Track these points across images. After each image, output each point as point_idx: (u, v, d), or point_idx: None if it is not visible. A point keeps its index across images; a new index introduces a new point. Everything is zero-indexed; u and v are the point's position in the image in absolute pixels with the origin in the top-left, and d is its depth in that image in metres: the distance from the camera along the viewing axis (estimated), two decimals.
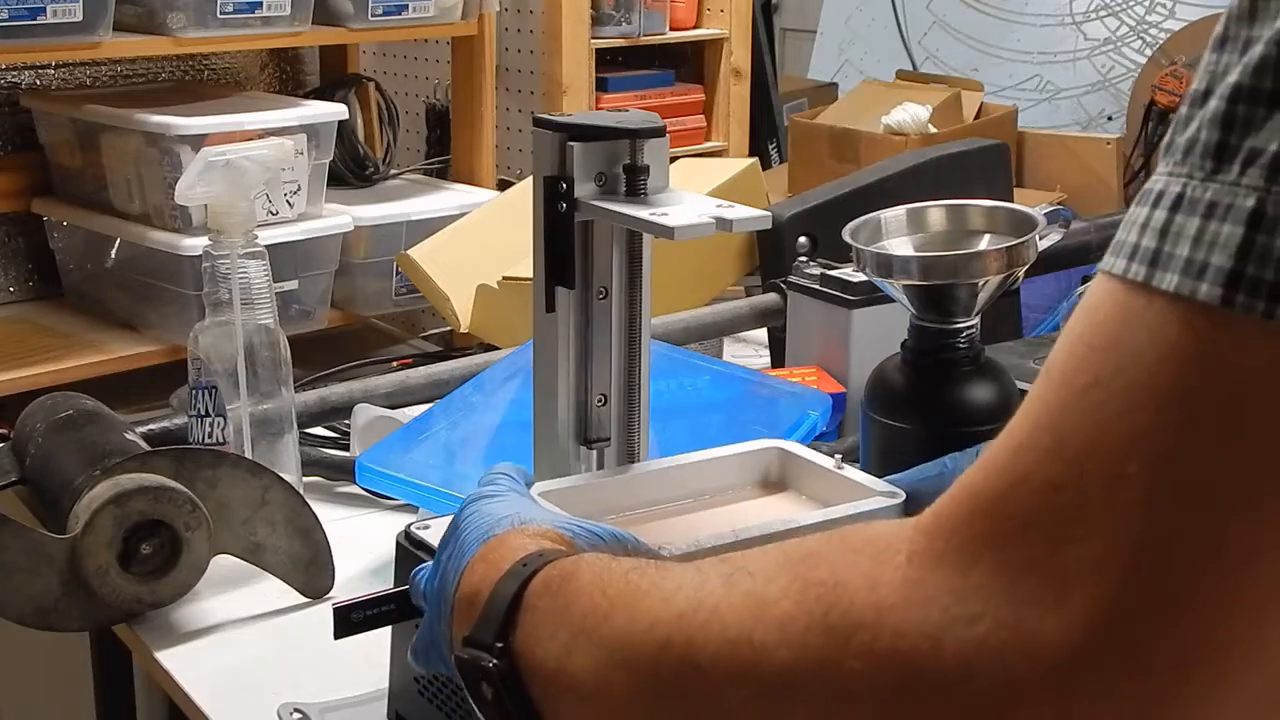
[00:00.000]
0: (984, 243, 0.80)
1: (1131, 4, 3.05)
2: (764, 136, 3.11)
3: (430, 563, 0.71)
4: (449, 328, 1.82)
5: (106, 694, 1.27)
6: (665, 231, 0.71)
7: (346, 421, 1.22)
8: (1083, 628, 0.40)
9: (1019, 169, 2.26)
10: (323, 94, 2.14)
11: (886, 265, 0.79)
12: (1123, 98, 2.95)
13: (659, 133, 0.76)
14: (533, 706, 0.59)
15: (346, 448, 1.21)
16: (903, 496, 0.74)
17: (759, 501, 0.80)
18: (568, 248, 0.77)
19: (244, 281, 1.05)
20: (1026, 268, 0.78)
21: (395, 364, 1.55)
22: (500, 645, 0.59)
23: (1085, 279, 1.06)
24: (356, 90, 2.21)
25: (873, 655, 0.44)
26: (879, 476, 0.81)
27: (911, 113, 2.19)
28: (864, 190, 1.49)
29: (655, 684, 0.51)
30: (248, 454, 1.04)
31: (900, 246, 0.82)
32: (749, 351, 1.54)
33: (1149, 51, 2.96)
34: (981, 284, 0.78)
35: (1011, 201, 1.08)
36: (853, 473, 0.77)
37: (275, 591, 0.98)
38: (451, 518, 0.69)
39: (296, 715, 0.84)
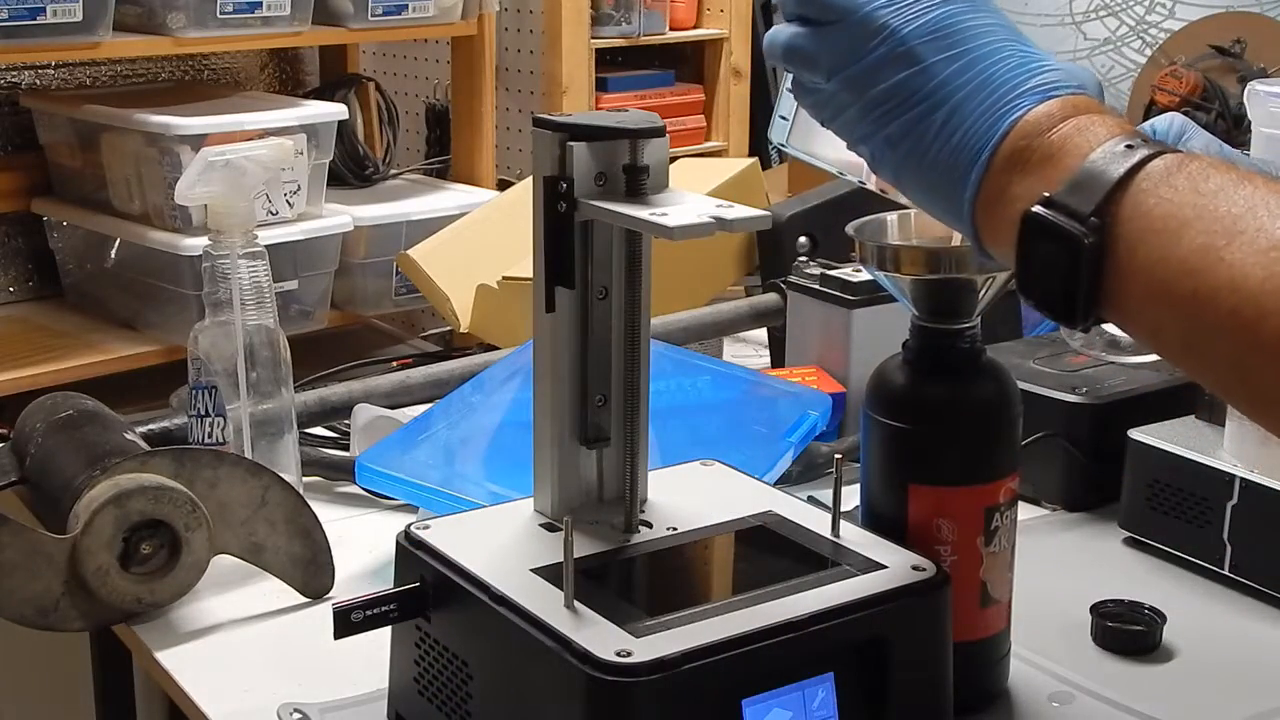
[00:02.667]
0: None
1: (1131, 4, 3.05)
2: (764, 136, 3.11)
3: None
4: (449, 328, 1.82)
5: (106, 694, 1.28)
6: (665, 231, 0.71)
7: (346, 421, 1.22)
8: None
9: None
10: (323, 94, 2.14)
11: (890, 258, 0.79)
12: (1123, 98, 2.95)
13: (659, 133, 0.76)
14: (1101, 291, 0.60)
15: (346, 448, 1.21)
16: None
17: None
18: (568, 248, 0.77)
19: (244, 281, 1.05)
20: None
21: (395, 364, 1.55)
22: (1095, 220, 0.59)
23: None
24: (356, 90, 2.21)
25: None
26: (880, 477, 0.81)
27: None
28: (864, 190, 1.49)
29: None
30: (248, 454, 1.04)
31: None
32: (749, 351, 1.54)
33: (1149, 51, 2.96)
34: (986, 281, 0.78)
35: None
36: None
37: (275, 591, 0.98)
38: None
39: (296, 715, 0.84)
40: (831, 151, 0.81)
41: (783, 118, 0.82)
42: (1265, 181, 0.58)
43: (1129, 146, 0.61)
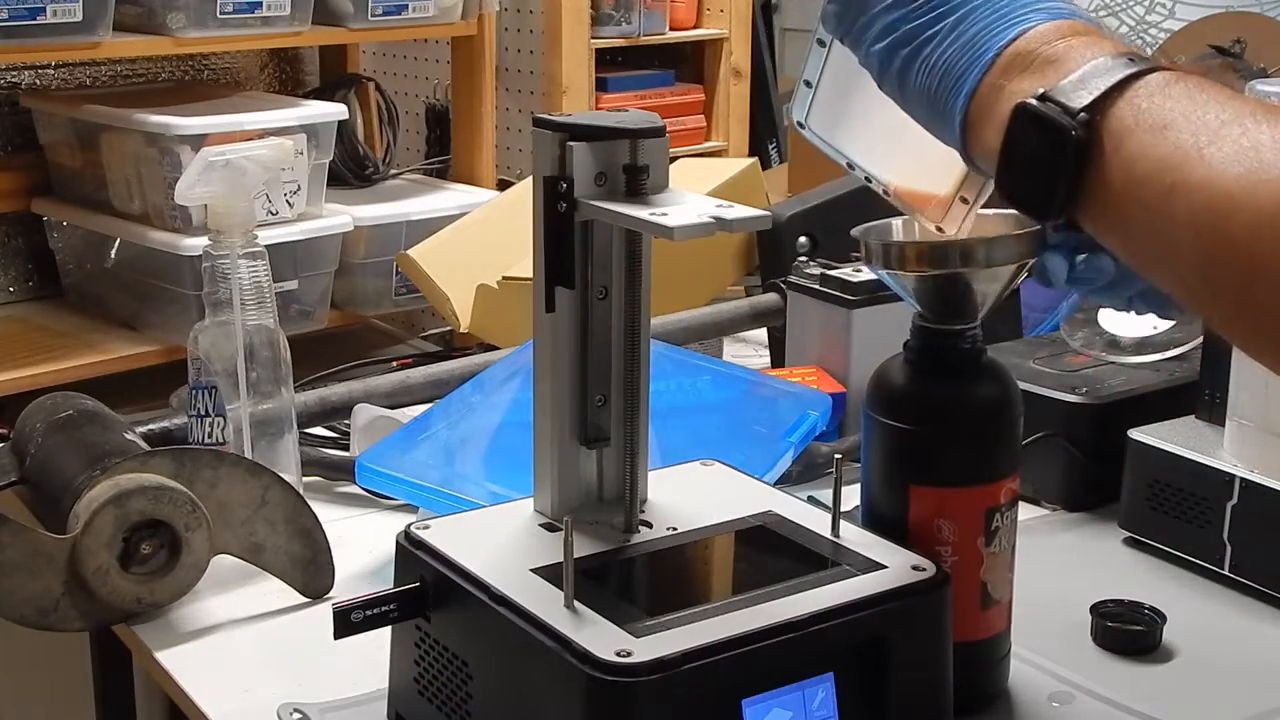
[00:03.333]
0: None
1: (1131, 4, 3.05)
2: (764, 136, 3.11)
3: None
4: (449, 328, 1.82)
5: (106, 694, 1.28)
6: (665, 231, 0.71)
7: (346, 421, 1.22)
8: None
9: None
10: (323, 94, 2.14)
11: (895, 256, 0.78)
12: None
13: (659, 133, 0.76)
14: (1080, 185, 0.61)
15: (346, 448, 1.21)
16: None
17: None
18: (568, 248, 0.77)
19: (244, 281, 1.05)
20: (1034, 262, 0.78)
21: (395, 364, 1.55)
22: (1085, 115, 0.60)
23: None
24: (356, 90, 2.21)
25: None
26: (881, 478, 0.81)
27: None
28: (864, 190, 1.48)
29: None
30: (248, 454, 1.04)
31: None
32: (749, 351, 1.54)
33: (1149, 51, 2.96)
34: (989, 276, 0.77)
35: None
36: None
37: (275, 591, 0.98)
38: None
39: (296, 715, 0.84)
40: (847, 139, 0.81)
41: (807, 83, 0.81)
42: (1258, 101, 0.59)
43: (1130, 60, 0.62)
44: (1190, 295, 0.60)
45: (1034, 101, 0.62)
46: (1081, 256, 0.77)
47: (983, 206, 0.81)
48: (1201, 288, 0.59)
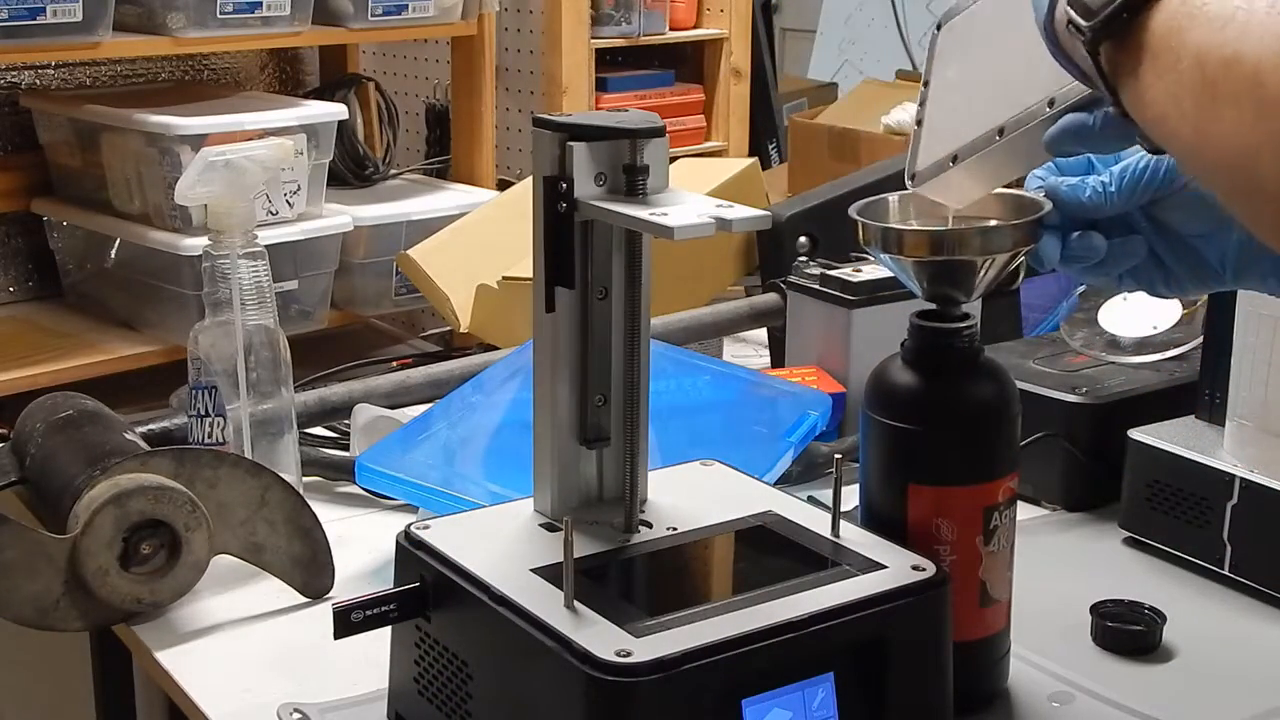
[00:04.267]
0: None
1: None
2: (764, 136, 3.11)
3: None
4: (449, 328, 1.82)
5: (106, 694, 1.28)
6: (665, 231, 0.71)
7: (346, 421, 1.22)
8: None
9: None
10: (323, 94, 2.15)
11: (894, 241, 0.78)
12: None
13: (659, 133, 0.76)
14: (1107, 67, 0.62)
15: (346, 448, 1.21)
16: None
17: None
18: (568, 248, 0.77)
19: (244, 281, 1.05)
20: (1031, 250, 0.78)
21: (395, 364, 1.55)
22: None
23: None
24: (356, 90, 2.21)
25: None
26: (880, 477, 0.81)
27: (911, 113, 2.18)
28: (864, 190, 1.49)
29: None
30: (248, 454, 1.04)
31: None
32: (749, 351, 1.54)
33: None
34: (989, 262, 0.78)
35: None
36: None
37: (275, 591, 0.98)
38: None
39: (296, 715, 0.84)
40: (948, 64, 0.82)
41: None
42: None
43: None
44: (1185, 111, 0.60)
45: None
46: (1075, 234, 0.77)
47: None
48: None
